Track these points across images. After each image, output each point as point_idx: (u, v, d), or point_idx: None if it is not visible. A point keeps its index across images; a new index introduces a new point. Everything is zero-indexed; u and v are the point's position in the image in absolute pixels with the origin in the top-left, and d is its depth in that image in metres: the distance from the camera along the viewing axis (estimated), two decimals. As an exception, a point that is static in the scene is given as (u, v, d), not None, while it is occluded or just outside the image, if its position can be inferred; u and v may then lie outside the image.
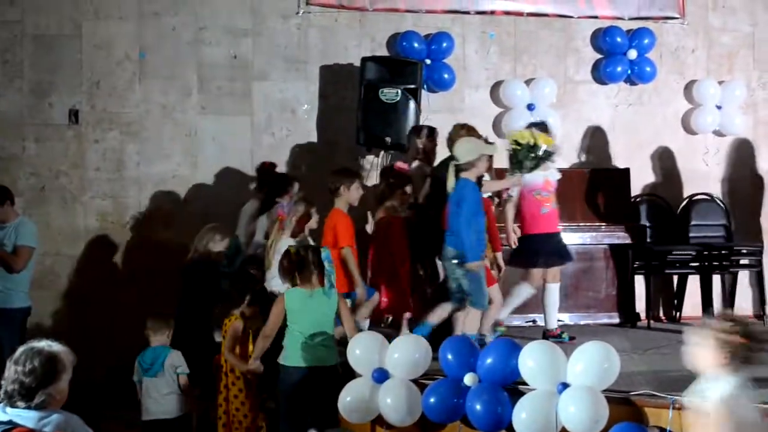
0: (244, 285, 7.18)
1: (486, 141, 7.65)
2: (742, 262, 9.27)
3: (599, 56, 9.69)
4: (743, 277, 9.52)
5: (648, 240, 9.21)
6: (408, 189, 7.77)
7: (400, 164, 8.24)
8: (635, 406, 5.85)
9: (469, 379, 6.16)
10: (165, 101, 9.17)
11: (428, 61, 9.25)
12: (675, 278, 9.45)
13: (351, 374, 6.55)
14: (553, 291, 7.98)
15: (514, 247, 7.97)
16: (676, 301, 9.41)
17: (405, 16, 9.44)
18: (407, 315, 7.67)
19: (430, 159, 8.28)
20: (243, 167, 9.20)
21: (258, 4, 9.29)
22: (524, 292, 7.92)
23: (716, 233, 9.42)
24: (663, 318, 9.48)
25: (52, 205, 9.05)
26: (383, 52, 9.33)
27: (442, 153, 8.17)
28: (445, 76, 9.37)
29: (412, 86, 8.78)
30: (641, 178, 9.64)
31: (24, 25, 9.03)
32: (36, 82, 9.04)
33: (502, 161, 7.85)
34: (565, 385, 5.88)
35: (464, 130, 7.77)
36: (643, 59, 9.59)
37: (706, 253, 9.04)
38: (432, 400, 6.21)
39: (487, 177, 7.45)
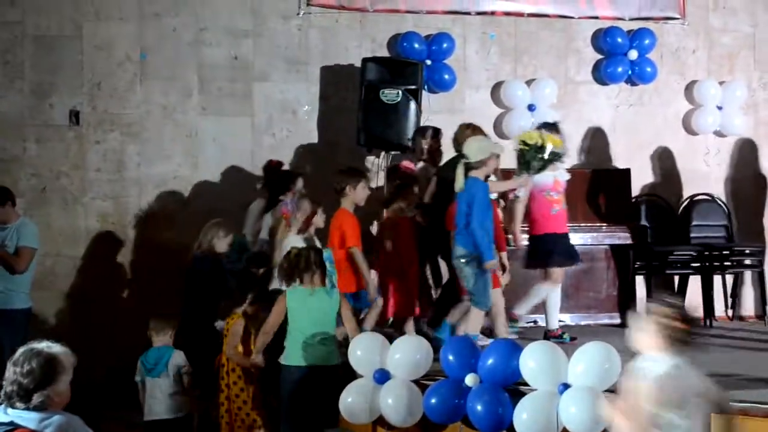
0: (247, 284, 7.20)
1: None
2: (743, 262, 9.27)
3: (600, 57, 9.70)
4: (744, 278, 9.53)
5: (649, 240, 9.21)
6: (416, 189, 7.77)
7: (406, 164, 8.24)
8: (636, 407, 5.84)
9: (470, 379, 6.16)
10: (166, 102, 9.17)
11: (429, 62, 9.25)
12: (676, 279, 9.45)
13: (352, 375, 6.55)
14: (555, 292, 7.99)
15: (520, 247, 7.96)
16: (676, 302, 9.40)
17: (405, 17, 9.44)
18: (411, 315, 7.67)
19: (435, 160, 8.29)
20: (244, 168, 9.20)
21: (258, 5, 9.29)
22: (543, 292, 7.90)
23: (717, 233, 9.43)
24: (664, 318, 9.47)
25: (52, 206, 9.04)
26: (384, 52, 9.33)
27: (446, 153, 8.19)
28: (446, 76, 9.37)
29: (413, 87, 8.78)
30: (642, 179, 9.64)
31: (25, 26, 9.02)
32: (37, 83, 9.03)
33: (506, 162, 7.84)
34: (566, 386, 5.88)
35: (469, 129, 7.79)
36: (644, 60, 9.60)
37: (706, 253, 9.05)
38: (433, 400, 6.21)
39: (492, 177, 7.46)
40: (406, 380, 6.37)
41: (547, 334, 7.87)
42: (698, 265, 9.07)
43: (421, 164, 8.30)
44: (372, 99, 8.71)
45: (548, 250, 7.83)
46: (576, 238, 8.63)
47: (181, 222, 8.97)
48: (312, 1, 9.28)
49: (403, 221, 7.69)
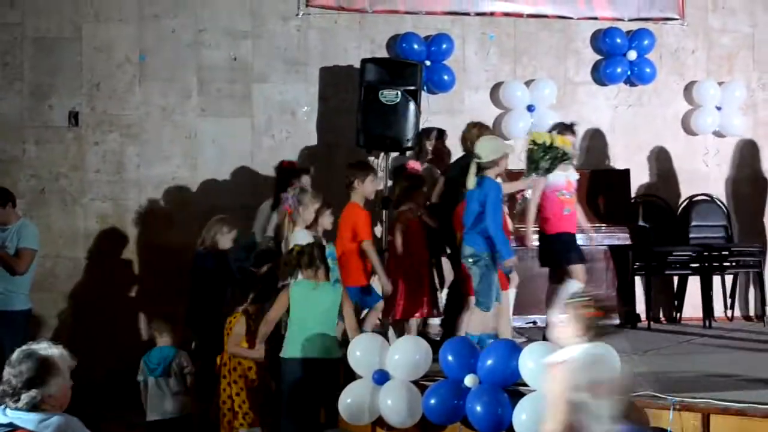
0: (248, 283, 7.23)
1: None
2: (742, 262, 9.27)
3: (599, 57, 9.70)
4: (743, 278, 9.54)
5: (648, 241, 9.20)
6: (424, 189, 7.78)
7: (412, 164, 8.25)
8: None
9: (469, 380, 6.16)
10: (165, 103, 9.17)
11: (428, 63, 9.25)
12: (675, 279, 9.45)
13: (351, 376, 6.56)
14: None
15: (530, 247, 7.94)
16: (676, 302, 9.42)
17: (405, 18, 9.44)
18: (418, 316, 7.68)
19: (439, 160, 8.31)
20: (243, 169, 9.20)
21: (258, 6, 9.29)
22: (573, 289, 7.85)
23: (716, 234, 9.43)
24: (663, 319, 9.49)
25: (52, 208, 9.04)
26: (383, 53, 9.33)
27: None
28: (445, 77, 9.38)
29: (412, 88, 8.77)
30: (641, 179, 9.65)
31: (24, 28, 9.03)
32: (36, 85, 9.03)
33: (511, 163, 7.84)
34: (565, 387, 5.87)
35: (476, 128, 7.83)
36: (643, 60, 9.60)
37: (706, 254, 9.05)
38: (432, 401, 6.22)
39: (498, 179, 7.46)
40: (405, 381, 6.38)
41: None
42: (697, 265, 9.07)
43: (425, 165, 8.31)
44: (371, 100, 8.70)
45: (565, 249, 7.82)
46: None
47: (181, 223, 8.98)
48: (311, 2, 9.29)
49: (413, 221, 7.70)
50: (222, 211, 8.18)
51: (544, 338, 7.64)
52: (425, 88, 9.17)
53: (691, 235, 9.38)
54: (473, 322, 7.12)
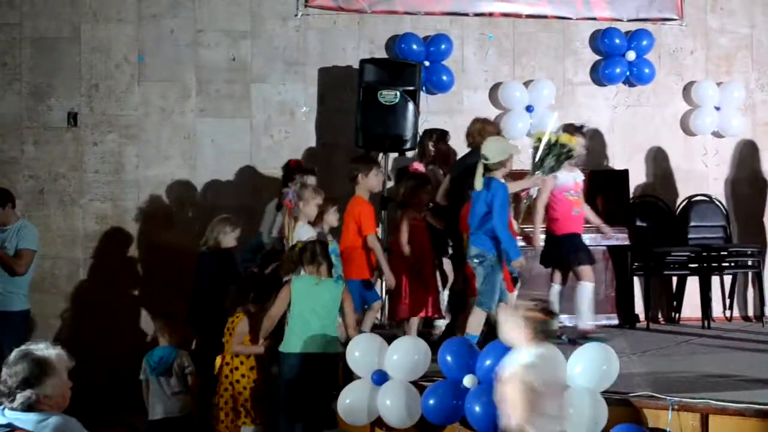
0: (248, 283, 7.24)
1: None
2: (740, 263, 9.28)
3: (598, 58, 9.70)
4: (742, 278, 9.54)
5: (647, 241, 9.21)
6: (429, 188, 7.79)
7: (416, 165, 8.25)
8: (634, 408, 5.85)
9: (468, 380, 6.16)
10: (164, 104, 9.17)
11: (427, 63, 9.25)
12: (674, 279, 9.45)
13: (350, 376, 6.56)
14: (557, 291, 7.97)
15: (537, 248, 7.94)
16: (675, 303, 9.41)
17: (403, 18, 9.45)
18: (421, 316, 7.68)
19: (442, 162, 8.32)
20: (242, 169, 9.20)
21: (256, 7, 9.29)
22: (586, 290, 7.85)
23: (715, 234, 9.43)
24: (662, 319, 9.49)
25: (51, 208, 9.04)
26: (382, 54, 9.33)
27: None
28: (444, 77, 9.38)
29: (411, 88, 8.77)
30: (640, 180, 9.65)
31: (23, 28, 9.03)
32: (35, 85, 9.04)
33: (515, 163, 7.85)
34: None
35: (479, 123, 7.85)
36: (642, 61, 9.60)
37: (704, 254, 9.05)
38: (431, 401, 6.21)
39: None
40: (404, 381, 6.38)
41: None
42: (696, 266, 9.06)
43: (429, 167, 8.31)
44: (370, 100, 8.70)
45: (574, 250, 7.83)
46: (574, 239, 8.65)
47: (180, 223, 8.99)
48: (310, 2, 9.29)
49: (418, 221, 7.71)
50: (221, 212, 8.18)
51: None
52: (424, 88, 9.17)
53: (689, 236, 9.38)
54: (473, 323, 7.11)
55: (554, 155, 7.47)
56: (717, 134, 9.81)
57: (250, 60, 9.28)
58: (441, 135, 8.53)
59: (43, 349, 3.79)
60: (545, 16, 9.62)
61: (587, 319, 7.83)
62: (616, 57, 9.58)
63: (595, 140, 9.66)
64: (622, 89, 9.75)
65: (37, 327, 8.50)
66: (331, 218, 7.60)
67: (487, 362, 6.16)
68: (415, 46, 9.27)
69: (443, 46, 9.35)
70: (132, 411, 7.29)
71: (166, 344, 6.93)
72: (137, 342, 8.35)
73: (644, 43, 9.58)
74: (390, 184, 8.70)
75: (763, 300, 9.27)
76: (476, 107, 9.45)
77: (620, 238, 8.84)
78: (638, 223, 9.24)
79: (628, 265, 9.04)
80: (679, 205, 9.59)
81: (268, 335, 6.76)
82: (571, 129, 7.90)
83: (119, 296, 8.97)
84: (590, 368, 5.88)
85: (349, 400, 6.43)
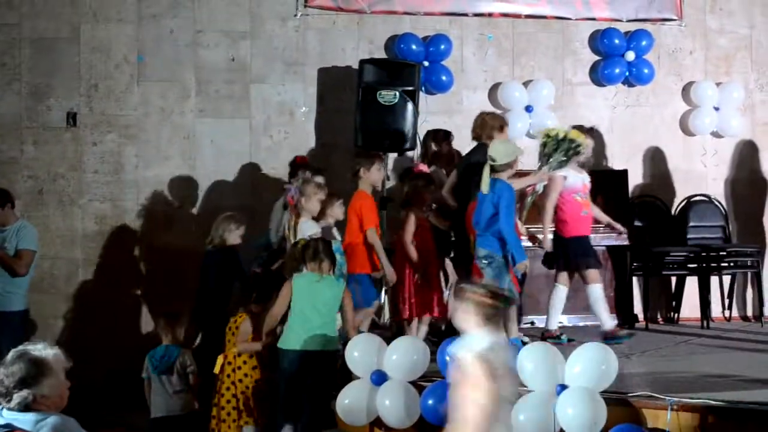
0: (250, 282, 7.25)
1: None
2: (739, 263, 9.28)
3: (597, 58, 9.70)
4: (741, 278, 9.54)
5: (646, 241, 9.21)
6: (432, 189, 7.80)
7: (420, 166, 8.26)
8: (633, 408, 5.85)
9: (467, 381, 6.15)
10: (163, 104, 9.17)
11: (426, 63, 9.25)
12: (673, 279, 9.45)
13: (349, 376, 6.56)
14: (561, 292, 7.95)
15: (548, 249, 7.93)
16: (674, 303, 9.42)
17: (403, 19, 9.45)
18: (427, 316, 7.68)
19: (445, 162, 8.32)
20: (241, 170, 9.20)
21: (256, 7, 9.29)
22: (597, 292, 7.86)
23: (714, 234, 9.43)
24: (660, 319, 9.50)
25: (50, 208, 9.04)
26: (381, 54, 9.33)
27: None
28: (443, 78, 9.38)
29: (410, 88, 8.76)
30: (639, 180, 9.66)
31: (22, 28, 9.03)
32: (34, 85, 9.04)
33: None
34: (563, 387, 5.88)
35: (481, 116, 7.94)
36: (641, 61, 9.61)
37: (703, 254, 9.05)
38: (430, 401, 6.21)
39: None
40: (403, 381, 6.38)
41: (545, 335, 7.87)
42: (695, 266, 9.07)
43: (432, 168, 8.31)
44: (369, 100, 8.70)
45: (583, 253, 7.82)
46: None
47: (179, 223, 8.99)
48: (309, 2, 9.29)
49: (423, 220, 7.72)
50: (220, 212, 8.18)
51: (542, 338, 7.67)
52: (423, 88, 9.17)
53: (688, 236, 9.39)
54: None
55: (563, 150, 7.49)
56: (716, 134, 9.81)
57: (250, 60, 9.29)
58: (444, 136, 8.54)
59: (40, 349, 3.79)
60: (544, 17, 9.62)
61: (607, 320, 7.84)
62: (616, 57, 9.58)
63: (595, 140, 9.63)
64: (622, 89, 9.75)
65: (36, 327, 8.50)
66: (337, 211, 7.63)
67: (486, 362, 6.16)
68: (414, 47, 9.28)
69: (442, 47, 9.36)
70: (132, 410, 7.28)
71: (169, 343, 6.95)
72: (137, 342, 8.34)
73: (643, 43, 9.59)
74: (390, 184, 8.70)
75: (762, 300, 9.28)
76: (475, 107, 9.42)
77: (619, 238, 8.84)
78: (637, 223, 9.24)
79: (627, 265, 9.05)
80: (678, 205, 9.60)
81: (269, 333, 6.77)
82: (581, 130, 7.93)
83: (118, 296, 8.97)
84: (589, 368, 5.89)
85: (348, 400, 6.44)
